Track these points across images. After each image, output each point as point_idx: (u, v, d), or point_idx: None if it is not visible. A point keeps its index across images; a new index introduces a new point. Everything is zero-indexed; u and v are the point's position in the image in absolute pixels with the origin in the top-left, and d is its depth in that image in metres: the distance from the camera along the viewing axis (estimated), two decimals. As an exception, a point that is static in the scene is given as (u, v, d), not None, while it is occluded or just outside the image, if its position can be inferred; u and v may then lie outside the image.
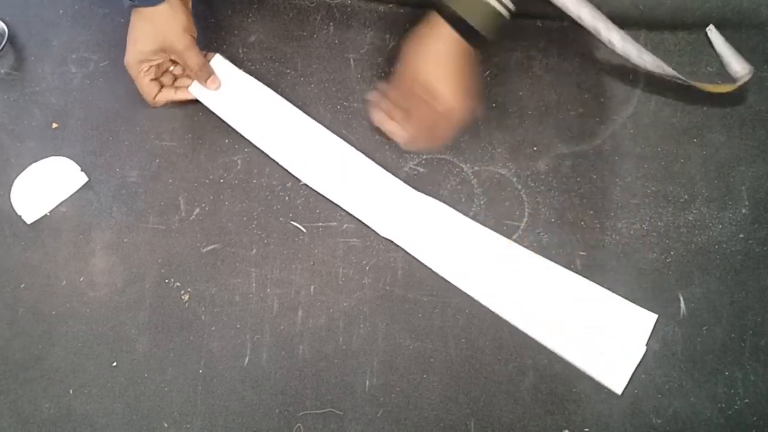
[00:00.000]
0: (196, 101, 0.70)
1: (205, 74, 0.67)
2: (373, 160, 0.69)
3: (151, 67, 0.66)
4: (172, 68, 0.69)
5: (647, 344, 0.62)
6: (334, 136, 0.69)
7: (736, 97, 0.71)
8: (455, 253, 0.65)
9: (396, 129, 0.64)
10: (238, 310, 0.65)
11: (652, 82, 0.72)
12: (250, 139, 0.69)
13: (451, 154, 0.69)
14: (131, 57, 0.65)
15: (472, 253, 0.65)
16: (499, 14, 0.58)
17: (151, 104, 0.68)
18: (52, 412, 0.63)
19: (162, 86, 0.68)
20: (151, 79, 0.67)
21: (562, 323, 0.62)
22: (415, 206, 0.67)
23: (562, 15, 0.73)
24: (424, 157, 0.69)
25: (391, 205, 0.66)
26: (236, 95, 0.69)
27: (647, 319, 0.62)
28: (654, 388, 0.62)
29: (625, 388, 0.61)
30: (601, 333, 0.62)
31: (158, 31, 0.63)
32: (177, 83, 0.69)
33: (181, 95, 0.69)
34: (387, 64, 0.72)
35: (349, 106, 0.72)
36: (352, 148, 0.68)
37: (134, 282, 0.66)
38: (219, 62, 0.69)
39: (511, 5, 0.58)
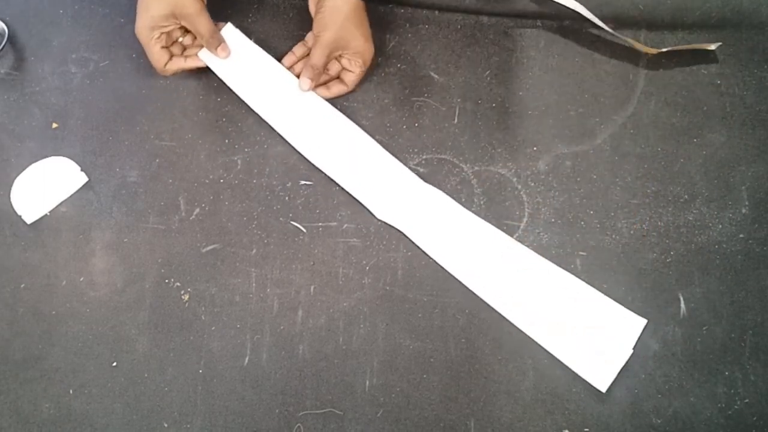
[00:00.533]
0: (206, 70, 0.70)
1: (216, 42, 0.68)
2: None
3: (162, 34, 0.67)
4: (181, 39, 0.70)
5: (636, 347, 0.62)
6: (341, 115, 0.70)
7: (737, 97, 0.71)
8: (457, 246, 0.65)
9: (339, 90, 0.70)
10: (238, 310, 0.65)
11: (653, 82, 0.72)
12: (255, 110, 0.70)
13: (451, 154, 0.69)
14: (142, 23, 0.65)
15: (473, 246, 0.65)
16: None
17: (161, 72, 0.69)
18: (52, 412, 0.63)
19: (172, 55, 0.69)
20: (162, 47, 0.67)
21: (554, 321, 0.63)
22: (419, 195, 0.67)
23: (561, 15, 0.73)
24: (424, 156, 0.69)
25: (394, 190, 0.67)
26: (245, 65, 0.70)
27: (637, 323, 0.62)
28: (654, 388, 0.62)
29: (610, 386, 0.61)
30: (591, 333, 0.62)
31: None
32: (186, 53, 0.70)
33: (191, 63, 0.69)
34: (386, 64, 0.72)
35: (349, 105, 0.72)
36: (357, 127, 0.69)
37: (134, 282, 0.66)
38: (230, 31, 0.70)
39: None
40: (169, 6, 0.64)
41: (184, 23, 0.67)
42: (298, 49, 0.72)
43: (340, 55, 0.69)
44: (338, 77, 0.70)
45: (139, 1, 0.65)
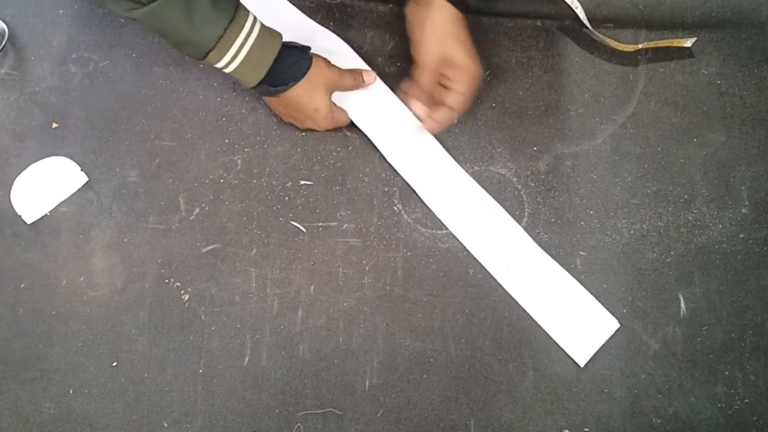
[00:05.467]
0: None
1: (360, 84, 0.68)
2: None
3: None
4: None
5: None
6: (451, 159, 0.69)
7: (737, 97, 0.71)
8: (475, 221, 0.67)
9: (445, 115, 0.65)
10: (238, 310, 0.65)
11: (652, 82, 0.72)
12: (380, 149, 0.69)
13: (451, 154, 0.69)
14: (325, 121, 0.66)
15: (489, 226, 0.67)
16: None
17: (342, 124, 0.69)
18: (52, 412, 0.63)
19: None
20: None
21: (546, 302, 0.65)
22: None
23: (561, 15, 0.73)
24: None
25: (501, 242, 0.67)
26: (374, 107, 0.70)
27: (610, 324, 0.64)
28: (654, 388, 0.62)
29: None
30: (575, 316, 0.65)
31: (323, 89, 0.64)
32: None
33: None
34: (387, 64, 0.72)
35: (349, 106, 0.72)
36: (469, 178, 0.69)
37: (134, 282, 0.66)
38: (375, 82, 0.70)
39: None
40: (328, 93, 0.64)
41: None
42: (407, 86, 0.68)
43: (443, 76, 0.64)
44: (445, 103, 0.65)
45: (299, 108, 0.65)
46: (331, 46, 0.71)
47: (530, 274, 0.65)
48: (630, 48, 0.72)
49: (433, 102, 0.65)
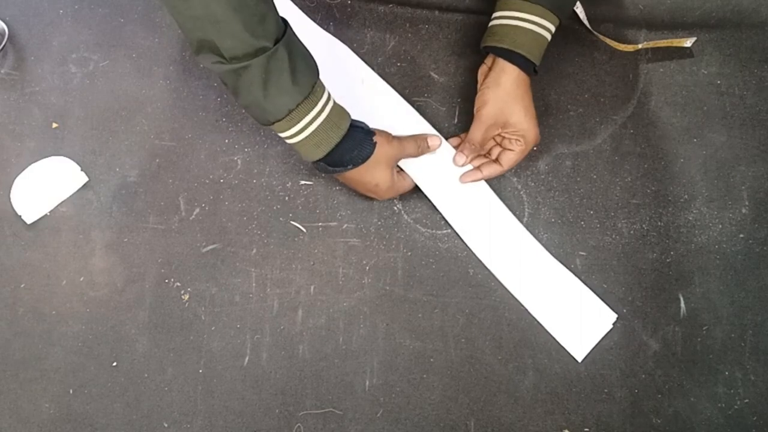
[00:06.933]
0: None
1: (423, 151, 0.65)
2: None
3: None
4: None
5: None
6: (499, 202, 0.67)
7: (737, 97, 0.71)
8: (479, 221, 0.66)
9: (493, 171, 0.65)
10: (238, 310, 0.65)
11: (653, 82, 0.72)
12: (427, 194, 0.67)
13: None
14: (387, 193, 0.64)
15: (490, 221, 0.66)
16: (546, 41, 0.62)
17: (405, 190, 0.66)
18: (52, 412, 0.63)
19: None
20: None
21: (544, 297, 0.65)
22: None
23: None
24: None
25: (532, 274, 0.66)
26: (433, 165, 0.67)
27: (608, 317, 0.64)
28: (654, 388, 0.62)
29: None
30: (572, 310, 0.65)
31: (384, 166, 0.61)
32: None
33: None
34: (387, 64, 0.72)
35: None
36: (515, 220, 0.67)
37: (134, 282, 0.66)
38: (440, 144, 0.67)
39: (553, 28, 0.61)
40: (390, 169, 0.62)
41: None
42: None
43: (499, 134, 0.65)
44: (496, 159, 0.65)
45: (364, 186, 0.62)
46: (336, 54, 0.71)
47: (528, 269, 0.65)
48: (630, 48, 0.72)
49: (483, 155, 0.66)
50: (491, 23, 0.63)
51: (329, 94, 0.57)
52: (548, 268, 0.65)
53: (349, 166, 0.59)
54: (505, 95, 0.62)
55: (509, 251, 0.66)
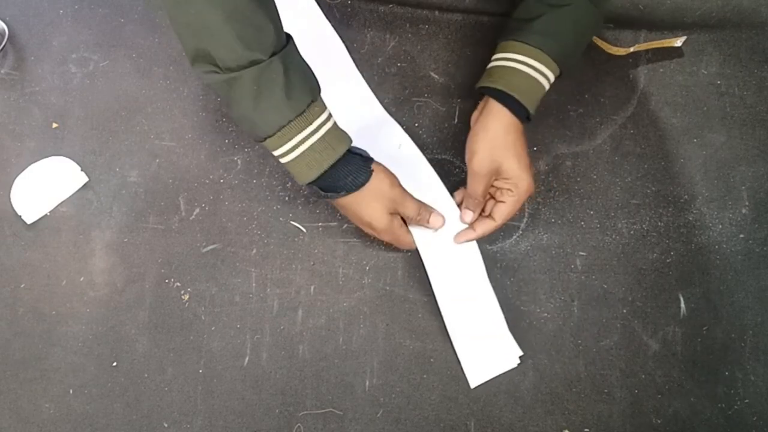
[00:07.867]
0: None
1: (422, 221, 0.62)
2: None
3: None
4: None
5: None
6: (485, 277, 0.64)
7: (737, 97, 0.71)
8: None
9: (488, 228, 0.62)
10: (238, 310, 0.65)
11: (652, 82, 0.72)
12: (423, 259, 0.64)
13: (451, 154, 0.69)
14: (383, 236, 0.61)
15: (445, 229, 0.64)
16: (543, 89, 0.58)
17: (404, 248, 0.64)
18: (52, 412, 0.63)
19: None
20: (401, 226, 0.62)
21: (464, 315, 0.63)
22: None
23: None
24: (425, 157, 0.69)
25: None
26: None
27: (512, 357, 0.63)
28: (654, 388, 0.62)
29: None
30: (484, 338, 0.63)
31: (378, 205, 0.58)
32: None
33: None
34: (387, 64, 0.72)
35: (349, 106, 0.72)
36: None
37: (134, 282, 0.66)
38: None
39: (552, 77, 0.58)
40: (386, 211, 0.58)
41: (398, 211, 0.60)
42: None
43: (492, 186, 0.61)
44: (489, 215, 0.62)
45: (356, 218, 0.60)
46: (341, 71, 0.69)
47: (462, 282, 0.63)
48: (622, 51, 0.72)
49: (482, 211, 0.63)
50: (489, 65, 0.60)
51: (329, 116, 0.55)
52: (480, 288, 0.63)
53: (341, 193, 0.56)
54: (494, 142, 0.58)
55: (453, 260, 0.63)
